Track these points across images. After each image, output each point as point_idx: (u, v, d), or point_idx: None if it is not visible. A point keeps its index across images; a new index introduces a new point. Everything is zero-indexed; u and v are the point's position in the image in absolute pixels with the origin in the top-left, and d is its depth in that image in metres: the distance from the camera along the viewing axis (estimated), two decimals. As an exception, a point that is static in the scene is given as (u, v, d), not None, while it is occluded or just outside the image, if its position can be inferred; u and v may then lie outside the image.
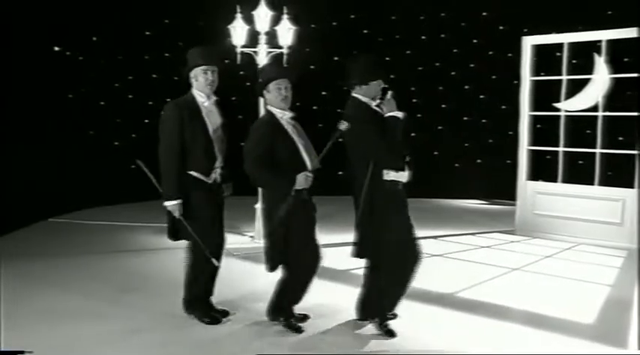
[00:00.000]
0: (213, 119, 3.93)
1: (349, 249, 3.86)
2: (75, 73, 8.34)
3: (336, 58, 9.63)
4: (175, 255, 5.39)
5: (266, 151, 3.66)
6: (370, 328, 3.97)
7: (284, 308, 3.96)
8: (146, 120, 8.90)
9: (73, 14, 7.95)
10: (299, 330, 3.92)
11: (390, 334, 3.85)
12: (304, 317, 4.06)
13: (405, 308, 4.06)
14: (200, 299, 4.11)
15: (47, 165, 7.46)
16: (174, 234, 4.02)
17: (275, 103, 3.79)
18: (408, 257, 3.80)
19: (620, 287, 5.11)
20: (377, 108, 3.81)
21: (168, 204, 3.85)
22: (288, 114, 3.81)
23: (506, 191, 8.45)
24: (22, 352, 3.40)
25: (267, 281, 4.15)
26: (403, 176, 3.76)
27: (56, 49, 8.01)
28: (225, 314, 4.18)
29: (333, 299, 4.56)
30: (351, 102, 3.84)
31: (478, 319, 4.27)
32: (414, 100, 9.69)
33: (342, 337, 3.88)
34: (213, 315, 4.10)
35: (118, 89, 9.03)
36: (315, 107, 9.72)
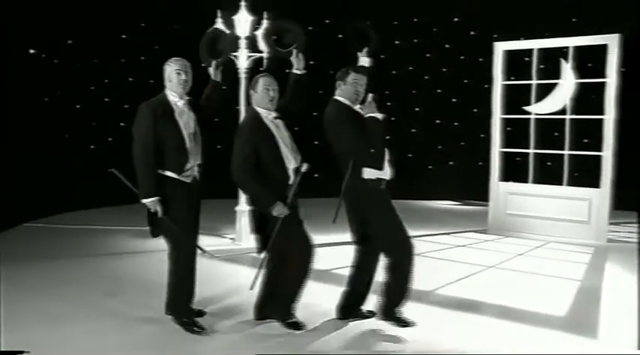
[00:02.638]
0: (185, 118, 3.98)
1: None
2: (50, 76, 8.27)
3: (312, 62, 9.72)
4: (155, 257, 5.41)
5: (253, 152, 3.76)
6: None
7: (284, 307, 3.99)
8: (122, 124, 8.82)
9: (48, 17, 7.91)
10: (298, 327, 3.95)
11: (405, 324, 3.96)
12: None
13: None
14: (184, 303, 4.06)
15: (22, 169, 7.38)
16: (153, 231, 3.98)
17: (262, 104, 3.92)
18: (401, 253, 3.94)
19: (589, 282, 5.37)
20: (357, 110, 3.94)
21: (146, 200, 3.86)
22: (272, 114, 3.93)
23: (478, 192, 8.68)
24: (21, 352, 3.40)
25: (249, 282, 4.21)
26: (384, 174, 3.89)
27: (31, 51, 7.94)
28: (200, 314, 4.20)
29: (330, 299, 4.60)
30: (330, 103, 3.98)
31: (456, 314, 4.43)
32: (388, 103, 9.88)
33: (340, 336, 3.93)
34: (201, 325, 4.02)
35: (94, 92, 8.99)
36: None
